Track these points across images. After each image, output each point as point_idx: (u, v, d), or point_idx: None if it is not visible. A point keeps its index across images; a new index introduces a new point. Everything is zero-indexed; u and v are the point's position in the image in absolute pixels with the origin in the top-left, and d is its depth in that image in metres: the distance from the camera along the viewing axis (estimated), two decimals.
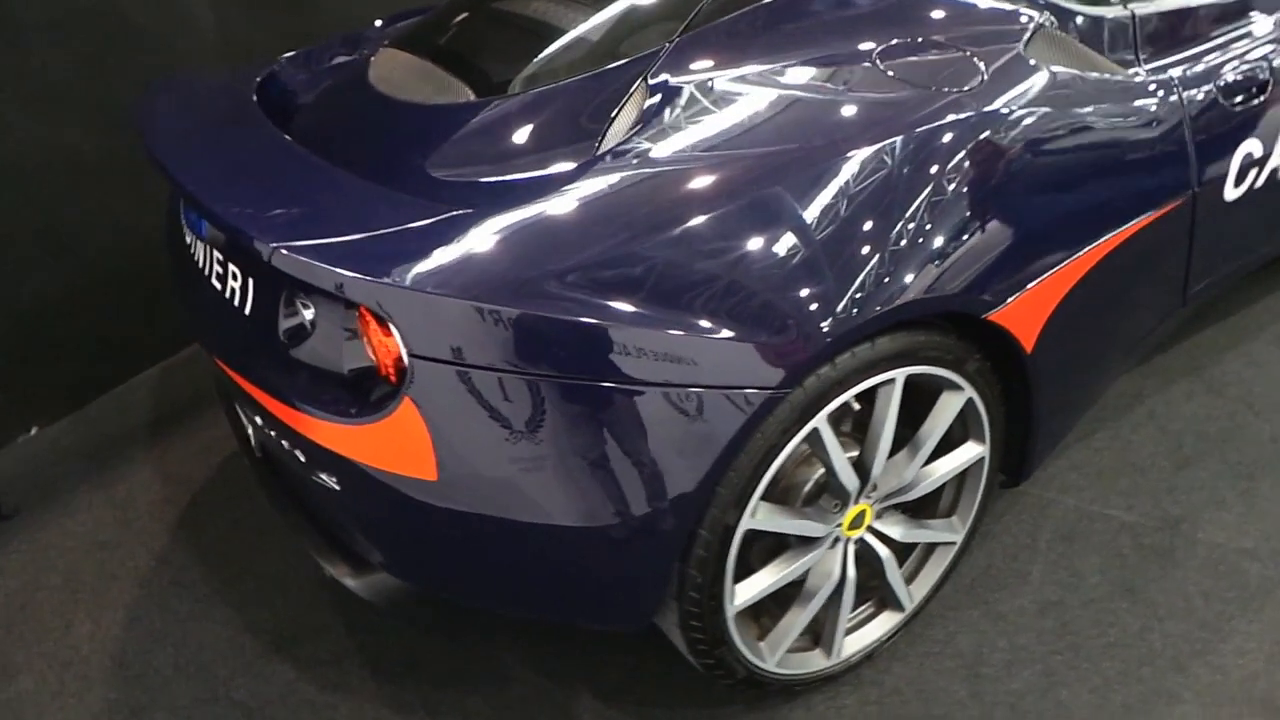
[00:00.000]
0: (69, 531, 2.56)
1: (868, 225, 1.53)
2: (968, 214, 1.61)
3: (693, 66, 1.72)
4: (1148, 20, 1.98)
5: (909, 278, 1.55)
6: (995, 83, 1.71)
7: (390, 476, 1.45)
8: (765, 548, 1.73)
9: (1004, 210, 1.66)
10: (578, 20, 1.90)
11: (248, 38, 3.22)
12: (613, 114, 1.66)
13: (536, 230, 1.46)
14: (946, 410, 1.73)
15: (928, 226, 1.57)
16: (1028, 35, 1.83)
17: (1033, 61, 1.78)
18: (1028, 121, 1.70)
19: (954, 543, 1.92)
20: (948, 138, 1.61)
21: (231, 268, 1.70)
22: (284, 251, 1.38)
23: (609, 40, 1.85)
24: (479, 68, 1.94)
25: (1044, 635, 1.94)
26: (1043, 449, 1.97)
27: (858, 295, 1.50)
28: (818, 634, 1.84)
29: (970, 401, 1.74)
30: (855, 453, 1.69)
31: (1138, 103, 1.88)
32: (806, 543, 1.70)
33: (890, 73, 1.71)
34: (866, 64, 1.73)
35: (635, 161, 1.57)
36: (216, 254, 1.74)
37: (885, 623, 1.91)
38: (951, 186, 1.60)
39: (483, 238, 1.44)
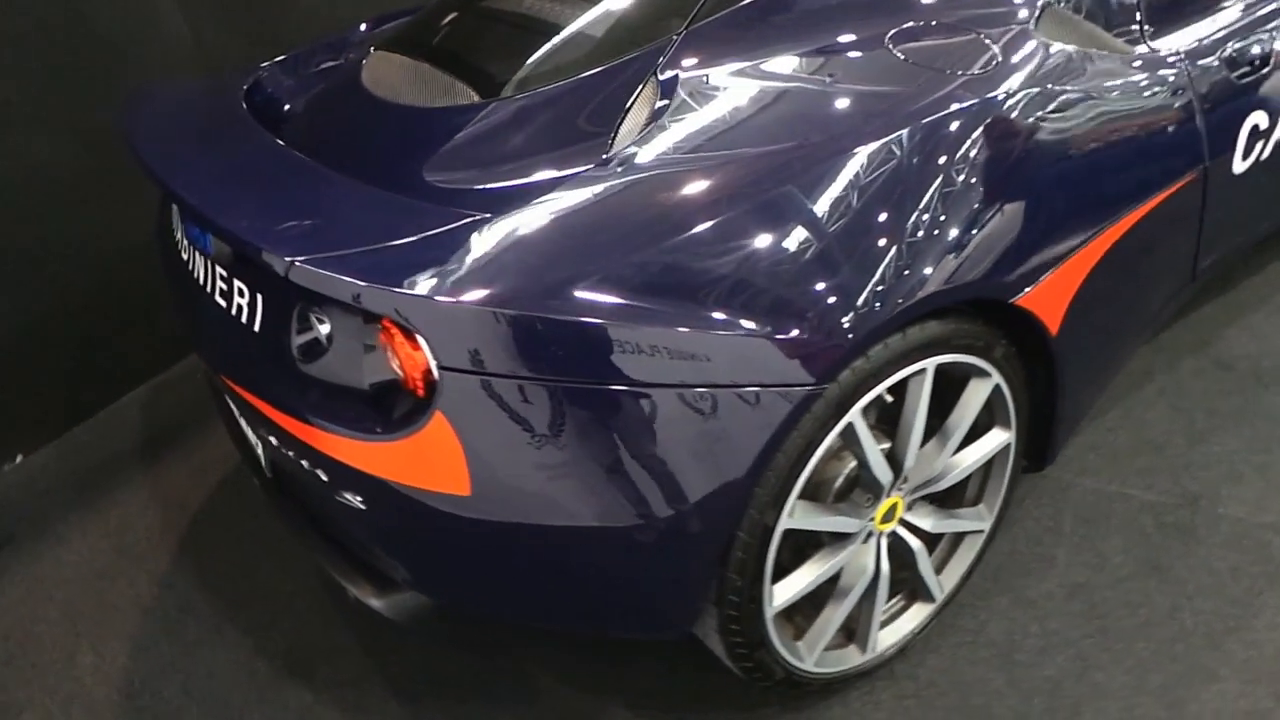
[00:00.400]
0: (64, 561, 2.48)
1: (896, 213, 1.50)
2: (994, 197, 1.59)
3: (702, 60, 1.68)
4: None
5: (939, 264, 1.52)
6: (1012, 63, 1.69)
7: (421, 493, 1.40)
8: (792, 547, 1.70)
9: (1029, 192, 1.63)
10: (576, 15, 1.86)
11: (220, 47, 3.14)
12: (622, 113, 1.62)
13: (560, 235, 1.42)
14: (975, 398, 1.70)
15: (955, 212, 1.54)
16: (1037, 14, 1.80)
17: (1046, 41, 1.76)
18: (1046, 101, 1.68)
19: (982, 531, 1.90)
20: (971, 121, 1.58)
21: (237, 283, 1.64)
22: (303, 265, 1.33)
23: (612, 35, 1.81)
24: (479, 68, 1.89)
25: (1075, 619, 1.93)
26: (1065, 432, 1.95)
27: (890, 285, 1.47)
28: (851, 630, 1.81)
29: (997, 388, 1.72)
30: (886, 445, 1.66)
31: (1149, 79, 1.86)
32: (841, 539, 1.67)
33: (903, 56, 1.68)
34: (879, 49, 1.70)
35: (652, 161, 1.52)
36: (220, 269, 1.68)
37: (917, 615, 1.88)
38: (977, 169, 1.57)
39: (505, 244, 1.39)
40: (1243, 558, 2.00)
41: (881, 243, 1.48)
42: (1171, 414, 2.36)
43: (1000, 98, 1.63)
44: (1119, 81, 1.81)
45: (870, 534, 1.71)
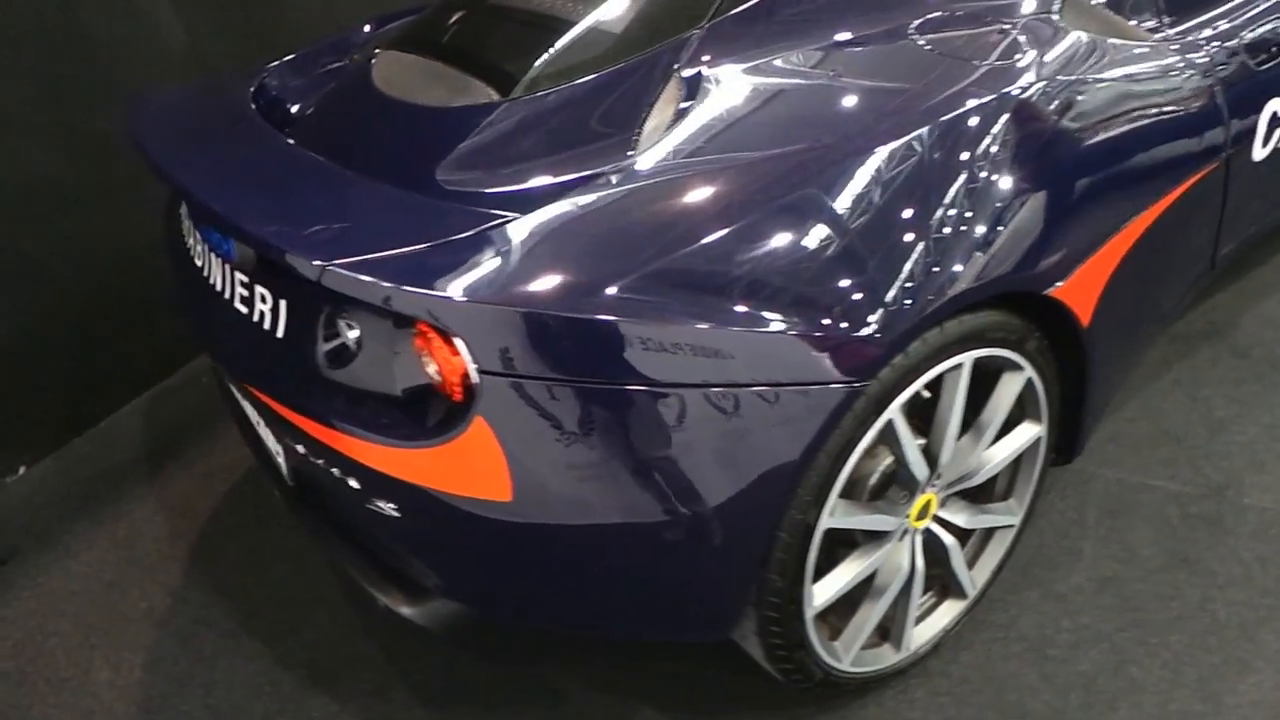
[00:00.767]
0: (73, 574, 2.44)
1: (933, 207, 1.48)
2: (1028, 188, 1.57)
3: (726, 56, 1.66)
4: None
5: (975, 258, 1.50)
6: (1039, 53, 1.67)
7: (460, 499, 1.38)
8: (824, 548, 1.67)
9: (1062, 182, 1.62)
10: (591, 10, 1.83)
11: (217, 52, 3.09)
12: (646, 111, 1.60)
13: (595, 235, 1.39)
14: (1008, 392, 1.69)
15: (990, 204, 1.53)
16: (1059, 3, 1.79)
17: (1070, 30, 1.74)
18: (1075, 90, 1.67)
19: (1013, 525, 1.89)
20: (1005, 112, 1.57)
21: (259, 289, 1.61)
22: (336, 270, 1.30)
23: (630, 30, 1.78)
24: (495, 65, 1.86)
25: (1106, 612, 1.92)
26: (1093, 424, 1.94)
27: (929, 280, 1.45)
28: (885, 629, 1.79)
29: (1029, 381, 1.71)
30: (921, 441, 1.64)
31: (1172, 67, 1.85)
32: (877, 537, 1.65)
33: (930, 48, 1.67)
34: (905, 40, 1.69)
35: (681, 159, 1.50)
36: (240, 275, 1.65)
37: (949, 612, 1.87)
38: (1009, 160, 1.56)
39: (541, 244, 1.37)
40: (1270, 548, 1.99)
41: (919, 237, 1.46)
42: (1189, 403, 2.36)
43: (1034, 88, 1.61)
44: (1143, 70, 1.80)
45: (905, 531, 1.69)
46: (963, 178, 1.51)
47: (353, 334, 1.48)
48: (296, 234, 1.40)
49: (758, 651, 1.63)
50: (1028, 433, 1.78)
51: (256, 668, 2.11)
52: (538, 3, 1.95)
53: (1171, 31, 1.94)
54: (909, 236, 1.45)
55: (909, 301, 1.43)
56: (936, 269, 1.46)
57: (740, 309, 1.34)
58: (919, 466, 1.61)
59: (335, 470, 1.51)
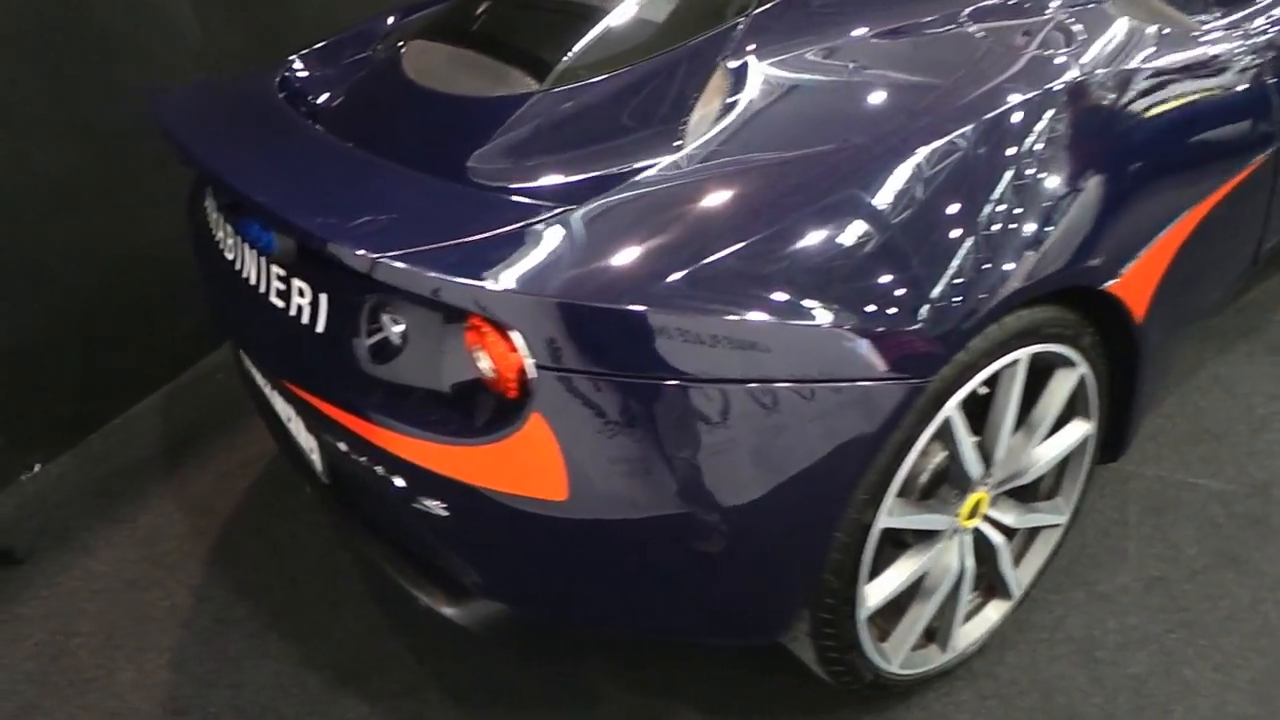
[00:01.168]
0: (93, 573, 2.39)
1: (994, 199, 1.45)
2: (1086, 179, 1.54)
3: (773, 45, 1.62)
4: None
5: (1036, 251, 1.47)
6: (1093, 41, 1.63)
7: (513, 498, 1.34)
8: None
9: (1119, 172, 1.59)
10: None
11: (228, 45, 3.05)
12: (691, 102, 1.56)
13: (651, 227, 1.35)
14: (1061, 389, 1.66)
15: (1049, 195, 1.49)
16: None
17: (1120, 17, 1.71)
18: (1131, 79, 1.63)
19: (1059, 524, 1.85)
20: (1062, 102, 1.53)
21: (296, 283, 1.57)
22: (388, 262, 1.26)
23: (673, 18, 1.74)
24: (532, 54, 1.82)
25: (1154, 613, 1.89)
26: (1139, 421, 1.91)
27: (992, 274, 1.42)
28: (932, 629, 1.76)
29: (1081, 378, 1.67)
30: (974, 439, 1.61)
31: (1222, 55, 1.81)
32: (928, 536, 1.62)
33: (981, 35, 1.63)
34: (955, 28, 1.65)
35: (733, 151, 1.46)
36: (277, 269, 1.60)
37: (994, 612, 1.84)
38: (1068, 150, 1.53)
39: (596, 237, 1.33)
40: None
41: (982, 232, 1.42)
42: (1229, 400, 2.33)
43: (1090, 76, 1.58)
44: (1194, 58, 1.76)
45: (955, 530, 1.66)
46: (1026, 169, 1.48)
47: (398, 328, 1.44)
48: (345, 226, 1.36)
49: (809, 654, 1.59)
50: (1078, 430, 1.75)
51: (283, 668, 2.07)
52: None
53: (1221, 19, 1.90)
54: (972, 231, 1.42)
55: (971, 297, 1.39)
56: (998, 264, 1.43)
57: (804, 304, 1.30)
58: (974, 464, 1.57)
59: (379, 468, 1.47)
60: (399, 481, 1.45)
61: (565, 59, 1.70)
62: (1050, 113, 1.52)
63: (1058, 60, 1.59)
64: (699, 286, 1.27)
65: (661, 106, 1.60)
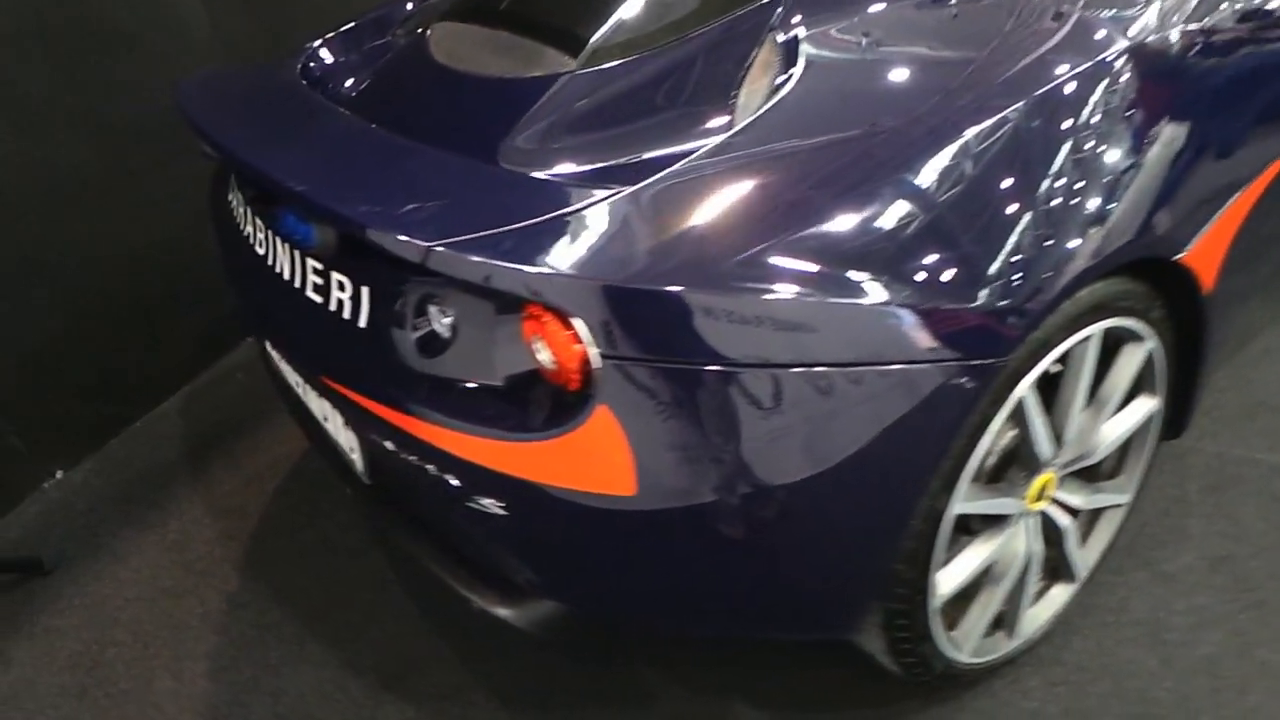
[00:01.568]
0: (124, 580, 2.35)
1: (1065, 169, 1.39)
2: (1160, 144, 1.47)
3: (822, 16, 1.55)
4: None
5: (1112, 223, 1.40)
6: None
7: (578, 495, 1.28)
8: None
9: (1193, 135, 1.52)
10: None
11: (237, 41, 2.98)
12: (739, 78, 1.49)
13: (713, 208, 1.29)
14: (1130, 364, 1.60)
15: (1122, 163, 1.43)
16: None
17: None
18: (1189, 40, 1.56)
19: (1123, 504, 1.80)
20: (1129, 64, 1.47)
21: (336, 276, 1.51)
22: (443, 250, 1.20)
23: None
24: (568, 31, 1.74)
25: (1222, 592, 1.83)
26: (1200, 396, 1.85)
27: (1067, 249, 1.36)
28: (999, 616, 1.70)
29: (1150, 352, 1.61)
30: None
31: None
32: (998, 521, 1.57)
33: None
34: None
35: (789, 128, 1.40)
36: (313, 262, 1.55)
37: (1059, 596, 1.78)
38: (1137, 116, 1.46)
39: (660, 219, 1.27)
40: None
41: (1058, 206, 1.36)
42: None
43: (1159, 36, 1.51)
44: (1256, 11, 1.69)
45: (1023, 513, 1.60)
46: (1093, 138, 1.42)
47: (446, 320, 1.38)
48: (393, 213, 1.30)
49: (878, 645, 1.54)
50: (1144, 407, 1.69)
51: (325, 673, 2.02)
52: None
53: None
54: (1049, 207, 1.35)
55: (1048, 273, 1.33)
56: (1073, 238, 1.37)
57: (878, 285, 1.24)
58: (1045, 444, 1.52)
59: (431, 467, 1.41)
60: (453, 480, 1.39)
61: (600, 36, 1.64)
62: (1120, 80, 1.46)
63: (1122, 22, 1.52)
64: (767, 268, 1.21)
65: (708, 84, 1.54)
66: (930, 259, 1.28)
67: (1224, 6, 1.63)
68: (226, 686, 2.04)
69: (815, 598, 1.44)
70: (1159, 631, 1.79)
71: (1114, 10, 1.54)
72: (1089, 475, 1.74)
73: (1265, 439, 2.11)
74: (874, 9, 1.59)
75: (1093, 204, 1.39)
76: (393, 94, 1.88)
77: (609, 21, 1.65)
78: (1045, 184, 1.37)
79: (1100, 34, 1.49)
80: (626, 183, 1.34)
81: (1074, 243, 1.37)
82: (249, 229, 1.76)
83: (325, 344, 1.57)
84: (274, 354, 1.83)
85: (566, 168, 1.46)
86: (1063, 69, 1.43)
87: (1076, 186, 1.38)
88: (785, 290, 1.20)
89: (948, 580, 1.51)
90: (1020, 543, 1.61)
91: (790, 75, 1.47)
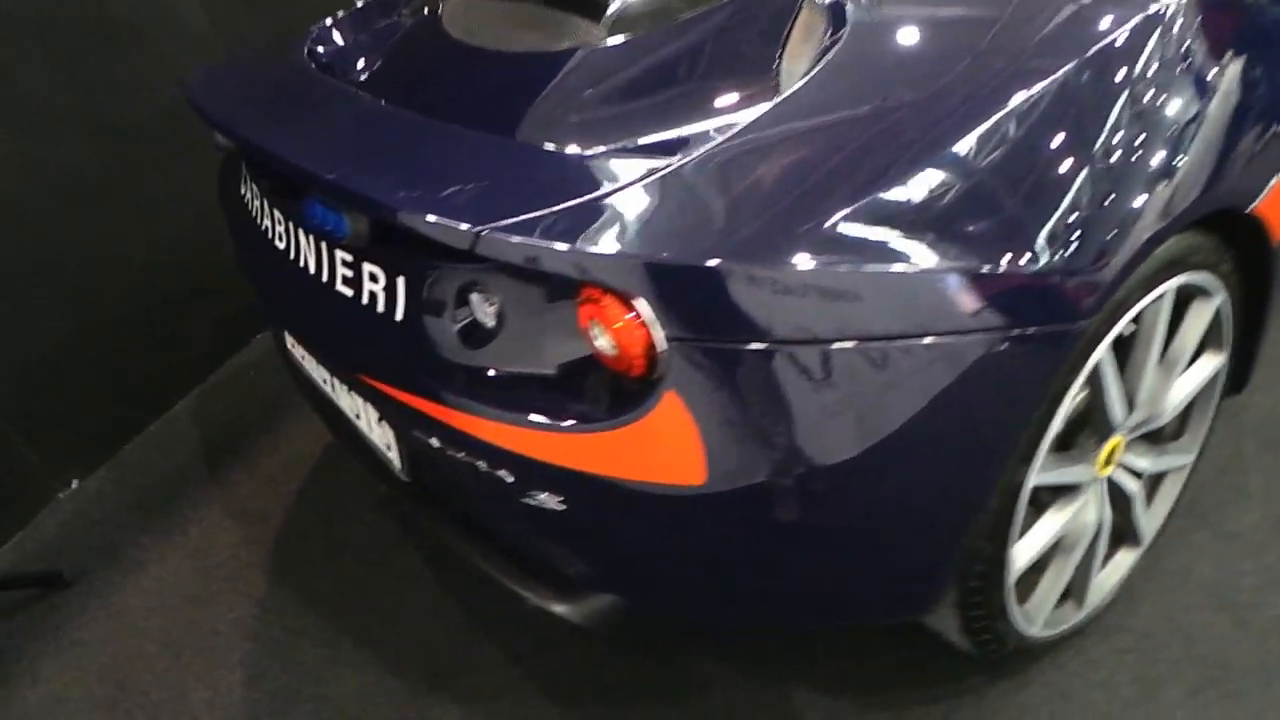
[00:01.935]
0: (148, 590, 2.28)
1: (1138, 124, 1.31)
2: (1228, 92, 1.40)
3: None
4: None
5: (1189, 177, 1.33)
6: None
7: (643, 486, 1.21)
8: None
9: (1260, 79, 1.45)
10: None
11: (237, 38, 2.88)
12: (781, 44, 1.41)
13: (770, 180, 1.20)
14: (1199, 320, 1.54)
15: (1192, 113, 1.36)
16: None
17: None
18: None
19: (1187, 465, 1.74)
20: (1196, 15, 1.39)
21: (368, 267, 1.43)
22: (494, 234, 1.13)
23: None
24: (588, 1, 1.67)
25: None
26: (1262, 350, 1.79)
27: (1142, 207, 1.28)
28: (1067, 586, 1.65)
29: (1218, 308, 1.55)
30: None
31: None
32: (1069, 490, 1.51)
33: None
34: None
35: (840, 92, 1.31)
36: (342, 254, 1.47)
37: (1123, 562, 1.73)
38: (1208, 63, 1.39)
39: (713, 193, 1.19)
40: None
41: (1132, 160, 1.28)
42: None
43: None
44: None
45: (1094, 480, 1.54)
46: (1165, 90, 1.34)
47: (490, 308, 1.31)
48: (433, 198, 1.22)
49: (951, 624, 1.48)
50: (1210, 364, 1.63)
51: (365, 677, 1.96)
52: None
53: None
54: (1113, 163, 1.27)
55: (1124, 233, 1.26)
56: (1153, 194, 1.29)
57: (955, 251, 1.16)
58: (1119, 408, 1.45)
59: (481, 463, 1.34)
60: (506, 476, 1.32)
61: (626, 3, 1.56)
62: (1189, 30, 1.37)
63: None
64: (836, 240, 1.13)
65: (747, 50, 1.46)
66: (1005, 222, 1.20)
67: None
68: (264, 694, 1.98)
69: (895, 579, 1.38)
70: (1228, 593, 1.74)
71: None
72: (1154, 438, 1.68)
73: None
74: None
75: (1174, 156, 1.31)
76: (408, 74, 1.80)
77: None
78: (1113, 143, 1.29)
79: None
80: (671, 156, 1.26)
81: (1148, 201, 1.29)
82: (267, 222, 1.68)
83: (358, 339, 1.49)
84: (297, 351, 1.75)
85: (604, 143, 1.38)
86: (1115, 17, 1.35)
87: (1149, 143, 1.31)
88: (855, 261, 1.12)
89: (1023, 553, 1.46)
90: (1091, 511, 1.55)
91: (839, 38, 1.39)
